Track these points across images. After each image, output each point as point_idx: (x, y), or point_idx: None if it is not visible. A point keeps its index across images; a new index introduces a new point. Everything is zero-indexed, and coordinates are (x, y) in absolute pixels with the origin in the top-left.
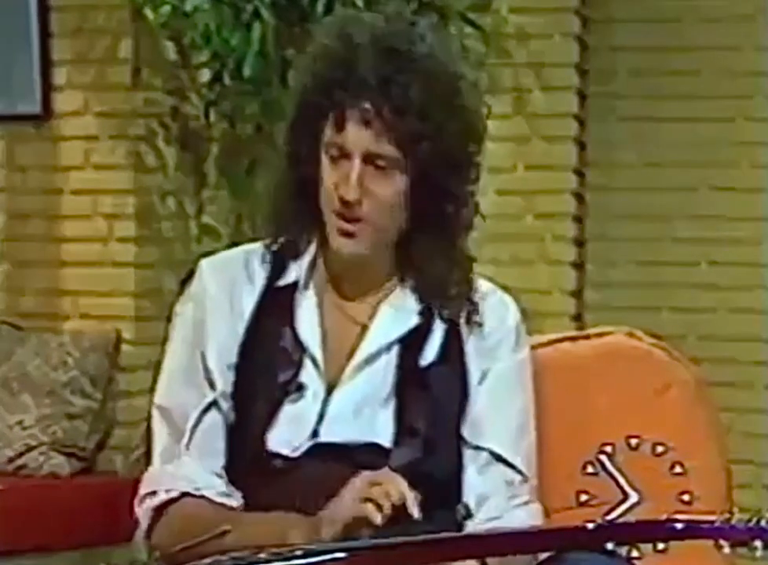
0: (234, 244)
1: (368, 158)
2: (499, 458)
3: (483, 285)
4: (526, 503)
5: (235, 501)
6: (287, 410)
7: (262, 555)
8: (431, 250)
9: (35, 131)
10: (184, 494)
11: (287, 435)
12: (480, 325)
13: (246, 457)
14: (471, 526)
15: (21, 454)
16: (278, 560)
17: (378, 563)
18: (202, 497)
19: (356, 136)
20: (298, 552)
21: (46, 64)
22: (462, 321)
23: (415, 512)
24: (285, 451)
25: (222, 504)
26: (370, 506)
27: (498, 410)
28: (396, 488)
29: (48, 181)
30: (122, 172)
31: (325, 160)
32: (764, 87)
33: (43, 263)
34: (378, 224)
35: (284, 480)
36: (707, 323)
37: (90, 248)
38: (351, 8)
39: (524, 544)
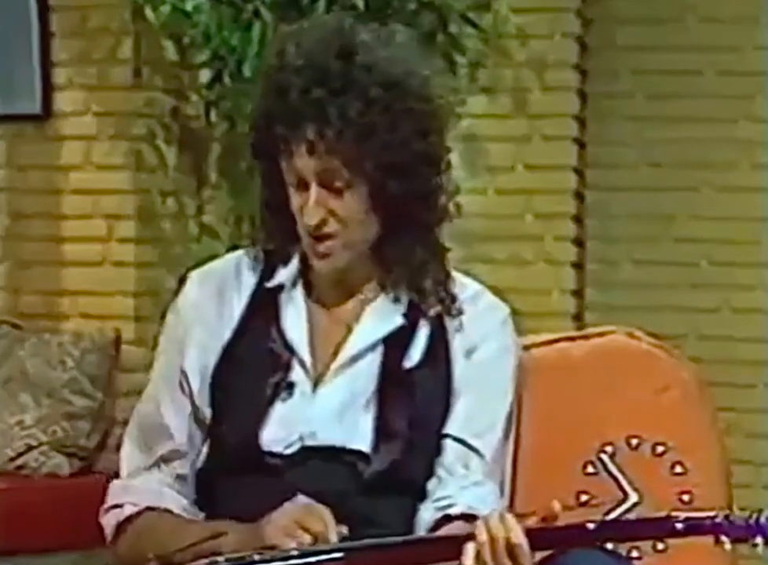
0: (234, 244)
1: (323, 180)
2: (456, 439)
3: (471, 286)
4: (477, 483)
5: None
6: (278, 408)
7: (257, 557)
8: (404, 248)
9: (35, 131)
10: (148, 508)
11: (279, 434)
12: (461, 325)
13: (239, 456)
14: (423, 510)
15: (21, 454)
16: (275, 561)
17: (375, 563)
18: (166, 510)
19: (305, 165)
20: (294, 553)
21: (46, 64)
22: (448, 321)
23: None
24: (278, 449)
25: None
26: (288, 541)
27: (465, 393)
28: (321, 530)
29: (48, 181)
30: (122, 172)
31: (288, 185)
32: (765, 87)
33: (43, 263)
34: (348, 239)
35: (278, 479)
36: (707, 323)
37: (90, 248)
38: (350, 9)
39: None
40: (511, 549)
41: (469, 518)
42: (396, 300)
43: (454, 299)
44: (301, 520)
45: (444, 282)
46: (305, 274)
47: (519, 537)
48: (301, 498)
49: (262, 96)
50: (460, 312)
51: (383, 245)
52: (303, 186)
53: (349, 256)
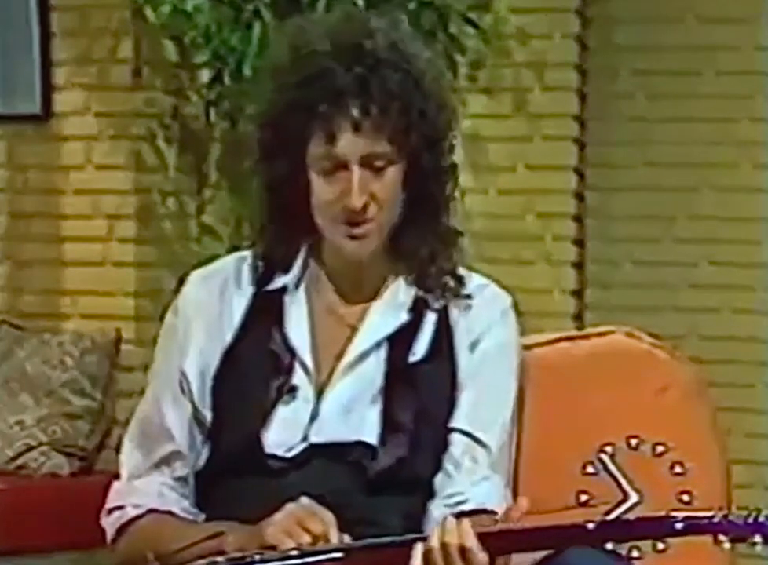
0: (234, 244)
1: (365, 162)
2: (463, 432)
3: (476, 279)
4: (486, 477)
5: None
6: (280, 412)
7: (257, 557)
8: (420, 230)
9: (35, 131)
10: (151, 510)
11: (280, 437)
12: (465, 317)
13: (240, 458)
14: (434, 507)
15: (21, 454)
16: (274, 560)
17: (375, 563)
18: (168, 512)
19: (350, 144)
20: (294, 552)
21: (46, 64)
22: (452, 314)
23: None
24: (280, 452)
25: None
26: (288, 542)
27: (470, 386)
28: (321, 531)
29: (48, 181)
30: (122, 172)
31: (314, 175)
32: (764, 87)
33: (44, 263)
34: (383, 221)
35: (280, 481)
36: (707, 323)
37: (91, 248)
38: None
39: (523, 542)
40: (464, 553)
41: (480, 513)
42: (401, 295)
43: (462, 282)
44: (301, 521)
45: (452, 271)
46: (309, 275)
47: (471, 541)
48: (304, 499)
49: (291, 83)
50: (469, 296)
51: (398, 234)
52: (340, 169)
53: (378, 241)
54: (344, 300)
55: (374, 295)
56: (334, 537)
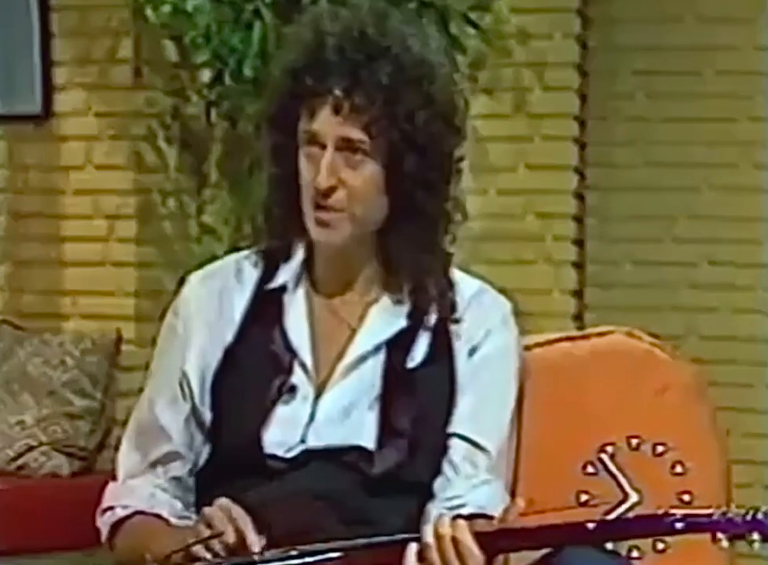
0: (234, 244)
1: (340, 145)
2: (462, 437)
3: (471, 285)
4: (486, 482)
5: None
6: (280, 411)
7: (255, 557)
8: (408, 241)
9: (36, 131)
10: (138, 512)
11: (280, 437)
12: (464, 323)
13: (240, 459)
14: (432, 509)
15: (21, 454)
16: (274, 561)
17: (373, 562)
18: (157, 515)
19: (326, 123)
20: (293, 552)
21: (47, 64)
22: (451, 321)
23: (255, 548)
24: (279, 452)
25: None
26: (199, 548)
27: (470, 391)
28: (235, 531)
29: (48, 181)
30: (122, 172)
31: (302, 155)
32: (764, 87)
33: (44, 263)
34: (354, 213)
35: (279, 481)
36: (707, 323)
37: (91, 248)
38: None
39: (522, 541)
40: (459, 551)
41: (479, 517)
42: (399, 302)
43: (454, 308)
44: (213, 523)
45: (446, 290)
46: (308, 273)
47: (466, 539)
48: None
49: (290, 57)
50: (458, 321)
51: (386, 235)
52: (317, 149)
53: (349, 234)
54: (340, 300)
55: (368, 298)
56: (251, 541)
